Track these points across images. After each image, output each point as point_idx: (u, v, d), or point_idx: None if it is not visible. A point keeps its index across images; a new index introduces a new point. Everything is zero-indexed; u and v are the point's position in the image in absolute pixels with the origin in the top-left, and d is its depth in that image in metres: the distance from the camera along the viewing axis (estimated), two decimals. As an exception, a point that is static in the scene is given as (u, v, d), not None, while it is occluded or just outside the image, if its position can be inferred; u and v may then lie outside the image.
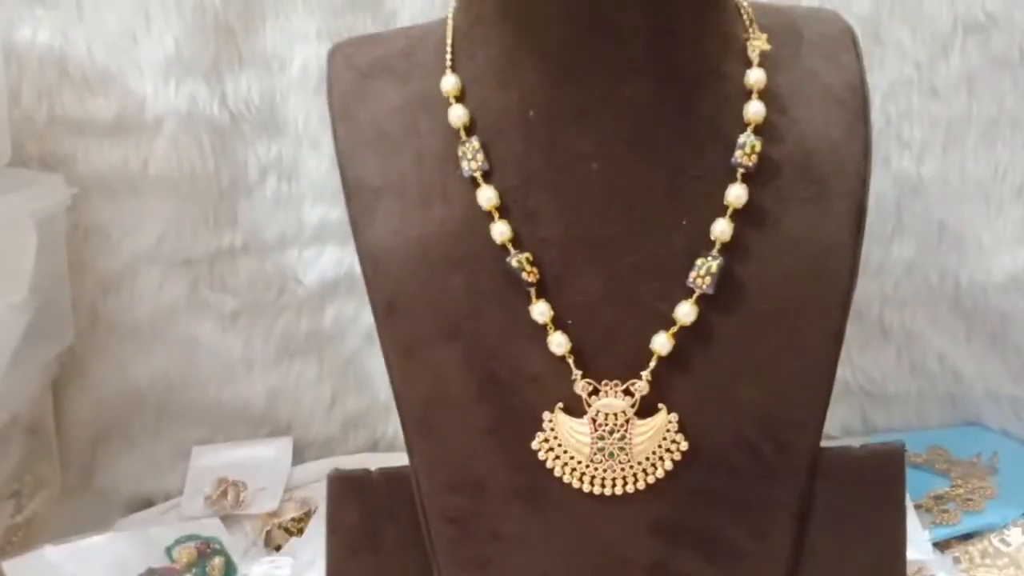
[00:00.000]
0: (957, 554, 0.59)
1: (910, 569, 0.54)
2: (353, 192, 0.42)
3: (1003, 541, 0.59)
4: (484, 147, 0.40)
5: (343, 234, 0.44)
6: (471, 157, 0.40)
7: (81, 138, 0.60)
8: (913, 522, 0.56)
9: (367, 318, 0.53)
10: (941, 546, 0.59)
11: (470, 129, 0.40)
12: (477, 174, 0.39)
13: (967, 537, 0.60)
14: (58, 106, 0.59)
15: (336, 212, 0.63)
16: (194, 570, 0.56)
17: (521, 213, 0.39)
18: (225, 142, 0.62)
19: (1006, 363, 0.67)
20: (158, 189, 0.61)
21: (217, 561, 0.58)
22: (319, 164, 0.63)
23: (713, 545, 0.40)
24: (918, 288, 0.66)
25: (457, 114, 0.40)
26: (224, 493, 0.64)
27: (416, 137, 0.42)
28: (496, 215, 0.39)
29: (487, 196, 0.39)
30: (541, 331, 0.39)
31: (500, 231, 0.39)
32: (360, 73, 0.44)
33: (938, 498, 0.63)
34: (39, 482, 0.64)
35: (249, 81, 0.61)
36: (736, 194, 0.38)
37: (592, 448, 0.38)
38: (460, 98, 0.41)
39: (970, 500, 0.62)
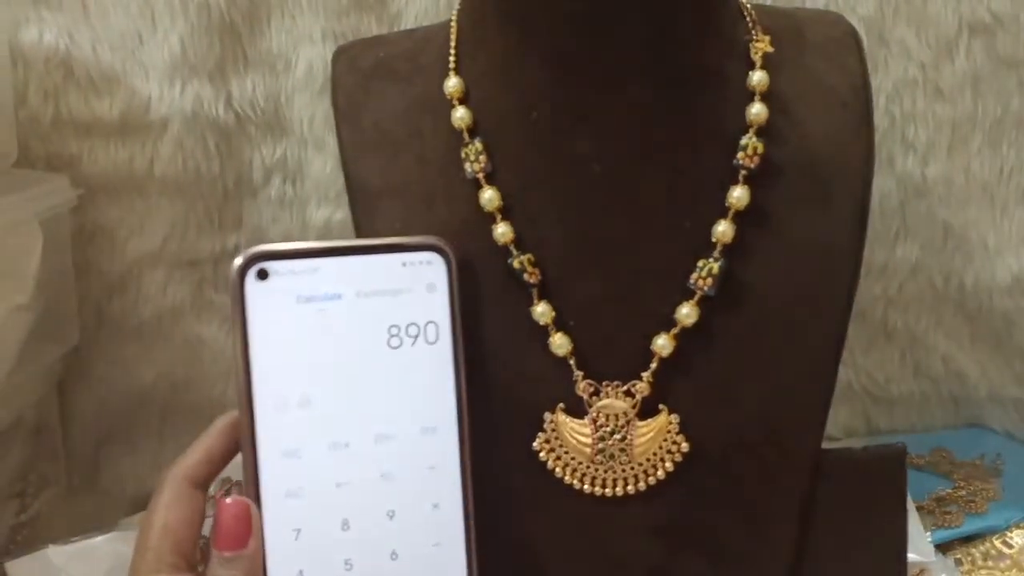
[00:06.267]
0: (959, 556, 0.59)
1: (911, 571, 0.54)
2: (356, 193, 0.42)
3: (1005, 543, 0.59)
4: (487, 148, 0.40)
5: (348, 236, 0.45)
6: (474, 159, 0.40)
7: (87, 139, 0.60)
8: (915, 524, 0.56)
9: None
10: (943, 548, 0.59)
11: (473, 131, 0.40)
12: (480, 175, 0.40)
13: (969, 539, 0.60)
14: (63, 107, 0.59)
15: (341, 213, 0.63)
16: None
17: (523, 214, 0.39)
18: (230, 143, 0.62)
19: (1010, 366, 0.67)
20: (163, 190, 0.62)
21: (221, 561, 0.58)
22: (324, 165, 0.63)
23: (714, 547, 0.40)
24: (922, 290, 0.66)
25: (460, 116, 0.40)
26: (228, 493, 0.64)
27: (419, 139, 0.42)
28: (498, 216, 0.39)
29: (489, 197, 0.39)
30: (542, 332, 0.39)
31: (502, 232, 0.39)
32: (364, 75, 0.44)
33: (940, 500, 0.63)
34: (44, 482, 0.64)
35: (254, 82, 0.61)
36: (738, 195, 0.38)
37: (593, 449, 0.38)
38: (463, 100, 0.41)
39: (972, 502, 0.62)
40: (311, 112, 0.62)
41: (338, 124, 0.44)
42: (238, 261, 0.34)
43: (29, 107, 0.59)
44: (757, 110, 0.39)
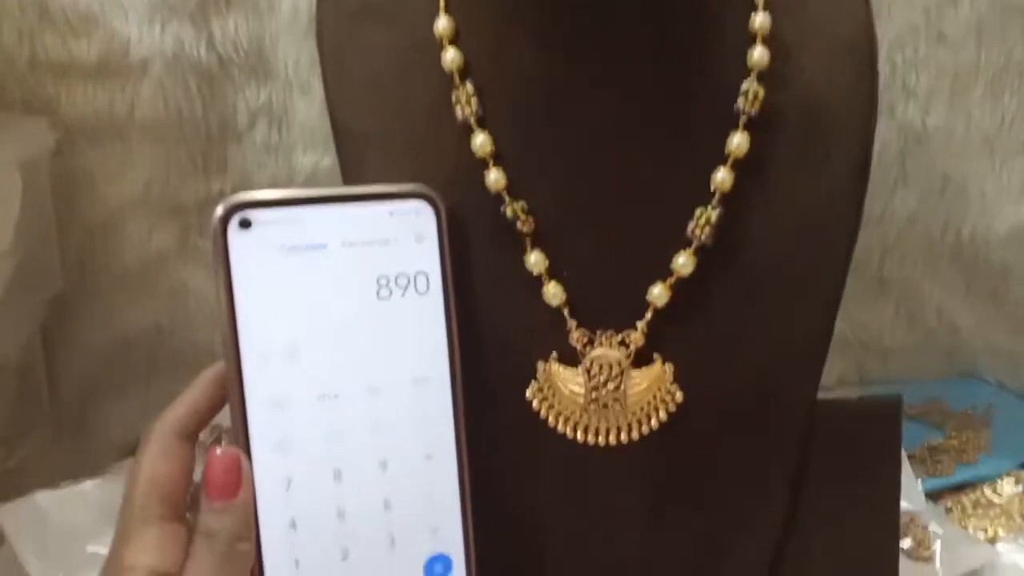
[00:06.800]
0: (949, 505, 0.60)
1: (902, 519, 0.54)
2: (343, 139, 0.41)
3: (995, 492, 0.60)
4: (478, 92, 0.39)
5: (336, 182, 0.44)
6: (465, 102, 0.38)
7: (64, 81, 0.58)
8: (906, 473, 0.56)
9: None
10: (933, 496, 0.60)
11: (464, 73, 0.39)
12: (471, 119, 0.38)
13: (959, 488, 0.61)
14: (40, 48, 0.58)
15: (328, 160, 0.62)
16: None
17: (516, 161, 0.38)
18: (213, 86, 0.60)
19: (1005, 316, 0.67)
20: (145, 134, 0.60)
21: (211, 508, 0.58)
22: (310, 110, 0.62)
23: (707, 497, 0.39)
24: (919, 240, 0.65)
25: (451, 57, 0.39)
26: (218, 440, 0.64)
27: (407, 82, 0.40)
28: (491, 162, 0.38)
29: (481, 142, 0.38)
30: (536, 282, 0.38)
31: (495, 179, 0.38)
32: (350, 16, 0.43)
33: (932, 449, 0.63)
34: (29, 429, 0.64)
35: (237, 23, 0.59)
36: (737, 142, 0.37)
37: (586, 398, 0.38)
38: (454, 41, 0.40)
39: (964, 452, 0.63)
40: (296, 55, 0.61)
41: (323, 67, 0.42)
42: (219, 210, 0.33)
43: (4, 48, 0.57)
44: (759, 54, 0.38)
